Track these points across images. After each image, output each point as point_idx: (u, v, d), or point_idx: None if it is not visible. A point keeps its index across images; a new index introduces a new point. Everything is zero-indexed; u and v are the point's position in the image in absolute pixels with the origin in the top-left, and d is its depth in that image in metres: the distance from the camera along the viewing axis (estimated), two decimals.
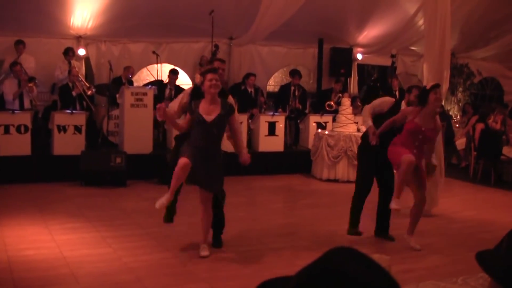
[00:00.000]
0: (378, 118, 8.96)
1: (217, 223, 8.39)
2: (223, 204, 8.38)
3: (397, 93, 17.00)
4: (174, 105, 8.38)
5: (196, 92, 8.15)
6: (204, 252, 7.88)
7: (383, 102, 9.26)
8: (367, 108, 9.25)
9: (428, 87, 8.51)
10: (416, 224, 8.79)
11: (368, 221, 9.21)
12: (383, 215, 9.21)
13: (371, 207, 9.24)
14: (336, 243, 8.34)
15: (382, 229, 9.28)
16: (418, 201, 8.76)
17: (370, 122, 8.88)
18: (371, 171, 9.05)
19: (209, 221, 8.04)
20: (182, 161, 7.58)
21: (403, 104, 9.04)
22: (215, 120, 7.69)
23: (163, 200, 7.63)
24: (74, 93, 13.87)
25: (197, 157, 7.61)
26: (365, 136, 9.15)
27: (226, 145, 10.86)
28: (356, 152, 10.24)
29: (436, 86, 8.48)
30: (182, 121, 7.97)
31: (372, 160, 8.94)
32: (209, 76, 7.69)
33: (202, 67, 14.67)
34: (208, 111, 7.69)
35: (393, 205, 8.54)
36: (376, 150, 8.79)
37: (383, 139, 8.66)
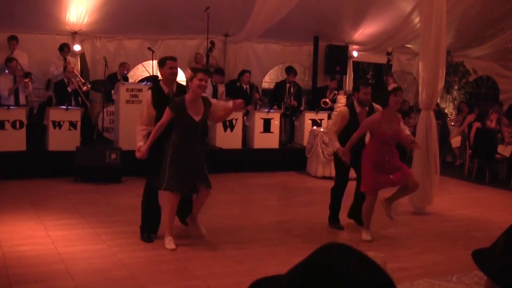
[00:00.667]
0: (346, 129, 9.11)
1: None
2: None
3: None
4: (142, 114, 8.34)
5: (156, 98, 8.12)
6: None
7: (340, 116, 9.37)
8: (331, 130, 9.39)
9: (390, 89, 8.66)
10: (398, 199, 9.11)
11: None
12: (358, 200, 9.39)
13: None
14: (330, 240, 8.38)
15: (356, 213, 9.51)
16: (412, 187, 8.94)
17: (337, 144, 8.95)
18: (347, 171, 9.46)
19: (201, 203, 8.29)
20: (172, 198, 7.84)
21: (357, 107, 9.15)
22: (202, 119, 7.89)
23: (169, 244, 7.95)
24: (69, 89, 13.86)
25: (183, 168, 7.75)
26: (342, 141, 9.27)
27: (221, 142, 10.90)
28: None
29: (398, 89, 8.64)
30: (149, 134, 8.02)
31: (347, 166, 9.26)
32: (200, 75, 7.76)
33: (198, 65, 14.70)
34: (195, 110, 7.76)
35: (364, 236, 8.87)
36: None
37: (355, 147, 8.85)
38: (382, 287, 1.33)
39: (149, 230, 8.40)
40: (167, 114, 7.77)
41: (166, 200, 8.02)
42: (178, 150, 7.78)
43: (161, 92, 8.20)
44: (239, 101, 8.25)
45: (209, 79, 8.78)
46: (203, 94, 8.06)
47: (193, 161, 7.84)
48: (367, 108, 9.21)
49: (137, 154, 7.93)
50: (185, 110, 7.70)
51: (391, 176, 8.60)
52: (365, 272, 1.32)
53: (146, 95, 8.29)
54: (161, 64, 8.33)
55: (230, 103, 8.35)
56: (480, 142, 14.86)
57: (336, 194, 9.52)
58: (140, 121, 8.17)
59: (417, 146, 9.41)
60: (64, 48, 14.75)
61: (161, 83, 8.40)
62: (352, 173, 9.44)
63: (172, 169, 7.77)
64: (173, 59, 8.33)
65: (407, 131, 9.11)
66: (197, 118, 7.77)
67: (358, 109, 9.18)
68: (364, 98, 9.13)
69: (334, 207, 9.53)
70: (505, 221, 9.63)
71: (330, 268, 1.32)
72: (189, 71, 8.07)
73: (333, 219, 9.53)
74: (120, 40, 16.35)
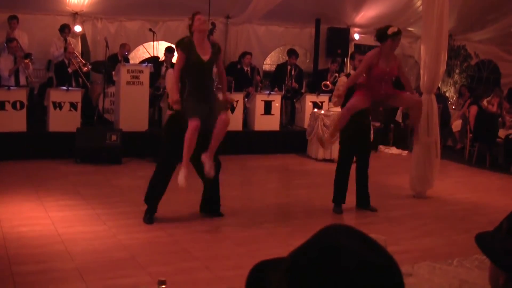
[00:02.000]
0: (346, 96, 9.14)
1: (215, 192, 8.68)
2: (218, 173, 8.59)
3: None
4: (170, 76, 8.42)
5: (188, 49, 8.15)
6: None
7: (342, 82, 9.48)
8: (342, 89, 9.26)
9: (389, 32, 8.64)
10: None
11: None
12: (361, 186, 9.48)
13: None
14: (331, 222, 8.39)
15: (363, 200, 9.51)
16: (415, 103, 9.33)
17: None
18: (352, 149, 9.44)
19: (219, 136, 8.21)
20: (193, 124, 7.76)
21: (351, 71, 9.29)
22: (210, 60, 8.02)
23: (182, 178, 7.86)
24: (70, 70, 13.83)
25: (199, 102, 7.87)
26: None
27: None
28: None
29: (396, 34, 8.65)
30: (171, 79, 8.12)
31: (352, 138, 9.26)
32: (197, 16, 8.10)
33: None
34: (203, 51, 7.97)
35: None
36: (355, 128, 9.09)
37: (359, 118, 8.97)
38: (388, 268, 1.32)
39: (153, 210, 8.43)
40: (179, 55, 8.04)
41: (187, 133, 7.86)
42: (193, 91, 7.92)
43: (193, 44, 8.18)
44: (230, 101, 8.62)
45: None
46: (213, 39, 8.23)
47: (207, 103, 7.94)
48: (364, 75, 9.19)
49: (175, 107, 7.91)
50: (193, 48, 7.91)
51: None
52: (371, 253, 1.32)
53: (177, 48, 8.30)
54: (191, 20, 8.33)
55: (225, 96, 8.49)
56: (481, 127, 14.83)
57: (341, 174, 9.42)
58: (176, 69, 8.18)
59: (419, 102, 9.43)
60: (65, 29, 14.69)
61: (193, 38, 8.31)
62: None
63: (191, 103, 7.86)
64: (199, 13, 8.39)
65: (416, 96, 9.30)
66: (205, 58, 7.93)
67: (351, 71, 9.25)
68: (358, 65, 9.17)
69: (337, 188, 9.48)
70: (505, 205, 9.65)
71: (337, 249, 1.31)
72: (187, 19, 8.20)
73: (335, 201, 9.49)
74: (121, 21, 16.30)
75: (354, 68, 9.29)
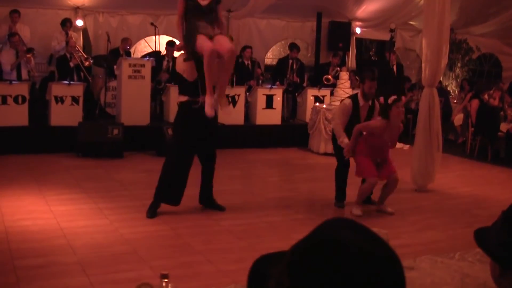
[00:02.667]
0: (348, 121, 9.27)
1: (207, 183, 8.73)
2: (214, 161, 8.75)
3: (394, 67, 16.92)
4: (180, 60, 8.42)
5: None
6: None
7: (343, 109, 9.37)
8: (338, 125, 9.31)
9: (390, 102, 8.69)
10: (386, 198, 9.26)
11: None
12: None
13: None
14: (332, 216, 8.40)
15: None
16: (391, 181, 9.06)
17: (346, 140, 9.03)
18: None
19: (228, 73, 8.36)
20: (207, 49, 7.77)
21: (361, 100, 9.19)
22: (209, 5, 8.04)
23: (208, 107, 7.90)
24: (71, 64, 13.83)
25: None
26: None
27: (223, 118, 10.88)
28: None
29: (397, 101, 8.71)
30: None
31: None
32: None
33: None
34: None
35: (354, 211, 8.98)
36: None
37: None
38: (390, 261, 1.33)
39: (170, 200, 8.47)
40: (179, 1, 8.10)
41: (204, 60, 7.92)
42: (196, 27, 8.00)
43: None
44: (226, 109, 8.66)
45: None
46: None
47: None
48: (370, 102, 9.25)
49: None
50: None
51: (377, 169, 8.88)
52: (372, 246, 1.32)
53: None
54: None
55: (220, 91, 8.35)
56: (483, 120, 14.82)
57: (338, 173, 9.50)
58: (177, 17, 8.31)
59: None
60: (66, 23, 14.67)
61: None
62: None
63: (195, 28, 7.96)
64: None
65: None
66: (203, 2, 7.97)
67: (361, 102, 9.23)
68: (368, 92, 9.17)
69: (337, 186, 9.52)
70: (507, 199, 9.63)
71: (338, 242, 1.32)
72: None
73: (337, 198, 9.52)
74: (122, 15, 16.29)
75: (363, 94, 9.20)
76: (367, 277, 1.27)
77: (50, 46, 14.79)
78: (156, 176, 8.48)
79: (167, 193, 8.38)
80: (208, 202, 8.79)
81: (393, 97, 8.92)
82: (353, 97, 9.42)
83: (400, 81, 16.81)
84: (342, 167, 9.41)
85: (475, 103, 15.23)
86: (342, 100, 10.05)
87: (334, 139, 9.50)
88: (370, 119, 9.11)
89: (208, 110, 7.88)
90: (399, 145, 15.65)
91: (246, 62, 15.95)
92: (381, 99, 9.42)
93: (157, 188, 8.42)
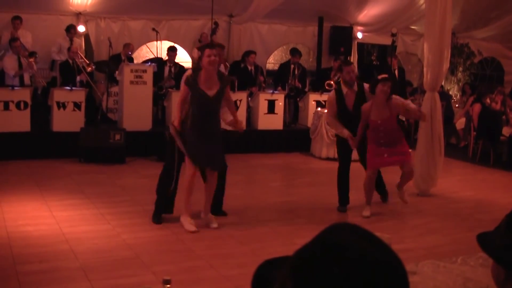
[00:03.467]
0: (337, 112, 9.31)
1: (219, 191, 8.63)
2: (225, 174, 8.69)
3: (396, 72, 16.91)
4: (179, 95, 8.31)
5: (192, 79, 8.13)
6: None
7: (329, 103, 9.50)
8: (331, 118, 9.40)
9: (379, 78, 8.69)
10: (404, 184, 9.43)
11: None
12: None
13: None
14: (335, 221, 8.41)
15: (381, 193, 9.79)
16: (405, 173, 9.19)
17: (345, 130, 9.04)
18: (349, 154, 9.48)
19: (211, 193, 8.26)
20: (190, 172, 7.91)
21: (343, 87, 9.21)
22: (217, 95, 7.81)
23: (188, 225, 8.01)
24: (78, 78, 13.84)
25: (200, 140, 7.79)
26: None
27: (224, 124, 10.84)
28: None
29: (385, 79, 8.67)
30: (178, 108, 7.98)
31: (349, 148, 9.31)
32: (207, 52, 7.75)
33: (201, 43, 14.61)
34: (209, 85, 7.75)
35: (364, 213, 9.12)
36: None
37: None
38: (393, 266, 1.33)
39: (164, 211, 8.48)
40: (182, 88, 7.93)
41: (185, 176, 8.06)
42: (196, 123, 7.82)
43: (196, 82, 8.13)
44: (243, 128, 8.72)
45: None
46: (222, 70, 8.12)
47: (207, 136, 7.88)
48: (355, 88, 9.19)
49: (174, 126, 7.90)
50: (196, 85, 7.73)
51: (385, 156, 8.81)
52: (375, 250, 1.32)
53: (186, 74, 8.22)
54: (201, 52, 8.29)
55: (236, 118, 8.44)
56: (485, 124, 14.81)
57: (339, 175, 9.52)
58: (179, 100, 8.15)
59: (423, 115, 9.40)
60: (71, 30, 14.72)
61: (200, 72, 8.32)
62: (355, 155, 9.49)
63: (192, 140, 7.83)
64: (211, 45, 8.22)
65: (411, 105, 9.25)
66: (210, 93, 7.75)
67: (344, 90, 9.19)
68: (347, 78, 9.13)
69: (339, 189, 9.52)
70: (509, 203, 9.63)
71: (341, 246, 1.32)
72: (196, 51, 8.04)
73: (339, 201, 9.53)
74: (124, 20, 16.31)
75: (344, 81, 9.22)
76: (371, 281, 1.27)
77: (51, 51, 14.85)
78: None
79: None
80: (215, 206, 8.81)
81: (383, 75, 8.89)
82: (336, 89, 9.44)
83: (402, 85, 16.79)
84: (343, 169, 9.43)
85: (477, 107, 15.21)
86: None
87: (338, 142, 9.53)
88: (359, 104, 9.03)
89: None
90: None
91: (249, 68, 15.93)
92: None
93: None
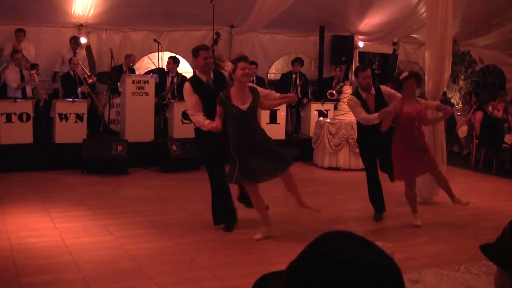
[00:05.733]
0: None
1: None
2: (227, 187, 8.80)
3: None
4: (189, 104, 8.30)
5: (196, 87, 8.14)
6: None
7: (354, 102, 9.36)
8: (361, 113, 9.21)
9: (401, 78, 8.72)
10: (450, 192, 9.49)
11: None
12: (373, 188, 9.57)
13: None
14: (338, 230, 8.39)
15: (375, 200, 9.68)
16: (436, 177, 9.39)
17: (377, 113, 8.82)
18: (374, 160, 9.42)
19: (294, 185, 8.80)
20: (250, 189, 8.34)
21: (362, 92, 9.26)
22: (251, 108, 7.85)
23: (265, 233, 8.29)
24: (79, 90, 13.87)
25: (252, 154, 7.91)
26: (360, 130, 9.49)
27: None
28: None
29: (409, 77, 8.66)
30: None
31: (372, 149, 9.30)
32: (241, 64, 7.78)
33: (215, 52, 14.57)
34: (242, 100, 7.77)
35: (413, 221, 9.16)
36: (372, 144, 9.22)
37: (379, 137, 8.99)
38: (387, 269, 1.33)
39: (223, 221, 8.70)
40: (218, 108, 7.85)
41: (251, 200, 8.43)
42: (237, 140, 7.88)
43: (200, 81, 8.26)
44: (292, 95, 8.92)
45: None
46: (250, 84, 8.16)
47: (256, 148, 7.95)
48: (373, 91, 9.20)
49: (216, 130, 7.83)
50: (230, 101, 7.73)
51: (420, 157, 8.86)
52: (370, 254, 1.33)
53: (185, 86, 8.28)
54: (194, 54, 8.34)
55: (277, 94, 8.67)
56: (487, 132, 14.81)
57: (369, 184, 9.51)
58: (192, 112, 8.18)
59: (446, 109, 9.42)
60: (76, 41, 14.78)
61: (197, 72, 8.45)
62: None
63: (239, 160, 7.89)
64: (206, 48, 8.48)
65: (431, 102, 9.36)
66: (244, 107, 7.77)
67: (363, 94, 9.19)
68: (363, 83, 9.15)
69: (371, 197, 9.56)
70: None
71: (332, 253, 1.33)
72: (230, 64, 8.01)
73: (375, 210, 9.55)
74: (125, 32, 16.34)
75: (360, 87, 9.24)
76: (366, 285, 1.28)
77: (53, 63, 14.91)
78: (161, 192, 8.49)
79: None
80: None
81: (405, 74, 8.90)
82: (355, 93, 9.46)
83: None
84: (372, 177, 9.43)
85: (479, 114, 15.21)
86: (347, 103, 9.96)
87: (361, 151, 9.62)
88: (379, 107, 9.00)
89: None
90: None
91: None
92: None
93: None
